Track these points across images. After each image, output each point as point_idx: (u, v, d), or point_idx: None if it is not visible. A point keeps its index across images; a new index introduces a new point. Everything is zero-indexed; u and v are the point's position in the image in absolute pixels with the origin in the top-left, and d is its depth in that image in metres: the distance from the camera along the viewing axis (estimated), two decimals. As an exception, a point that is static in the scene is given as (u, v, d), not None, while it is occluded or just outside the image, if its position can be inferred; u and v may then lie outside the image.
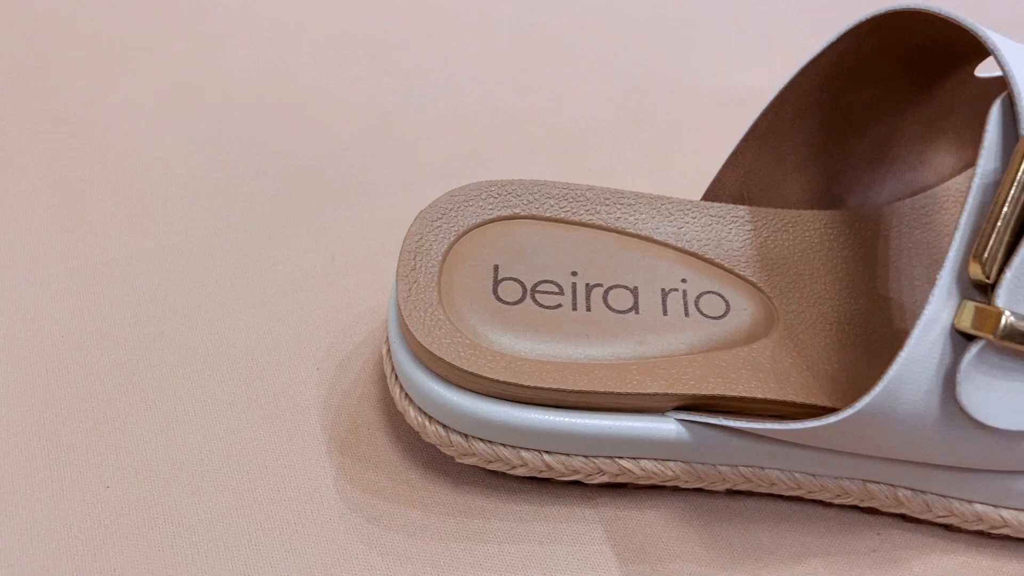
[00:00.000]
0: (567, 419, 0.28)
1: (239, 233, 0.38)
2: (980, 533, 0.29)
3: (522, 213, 0.31)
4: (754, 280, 0.30)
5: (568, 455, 0.28)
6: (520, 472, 0.29)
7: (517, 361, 0.27)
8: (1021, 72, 0.23)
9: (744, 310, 0.29)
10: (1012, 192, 0.22)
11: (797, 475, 0.28)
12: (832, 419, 0.24)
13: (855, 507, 0.30)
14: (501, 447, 0.28)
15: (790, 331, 0.29)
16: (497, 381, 0.27)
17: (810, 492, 0.29)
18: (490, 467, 0.29)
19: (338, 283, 0.37)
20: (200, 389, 0.33)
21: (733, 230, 0.31)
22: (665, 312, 0.29)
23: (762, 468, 0.28)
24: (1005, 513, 0.28)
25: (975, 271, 0.22)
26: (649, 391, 0.27)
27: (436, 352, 0.27)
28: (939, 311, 0.23)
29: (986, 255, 0.22)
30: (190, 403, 0.33)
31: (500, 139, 0.42)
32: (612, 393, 0.27)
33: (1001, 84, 0.29)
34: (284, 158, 0.41)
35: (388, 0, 0.49)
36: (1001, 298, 0.22)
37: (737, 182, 0.31)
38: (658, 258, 0.30)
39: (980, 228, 0.22)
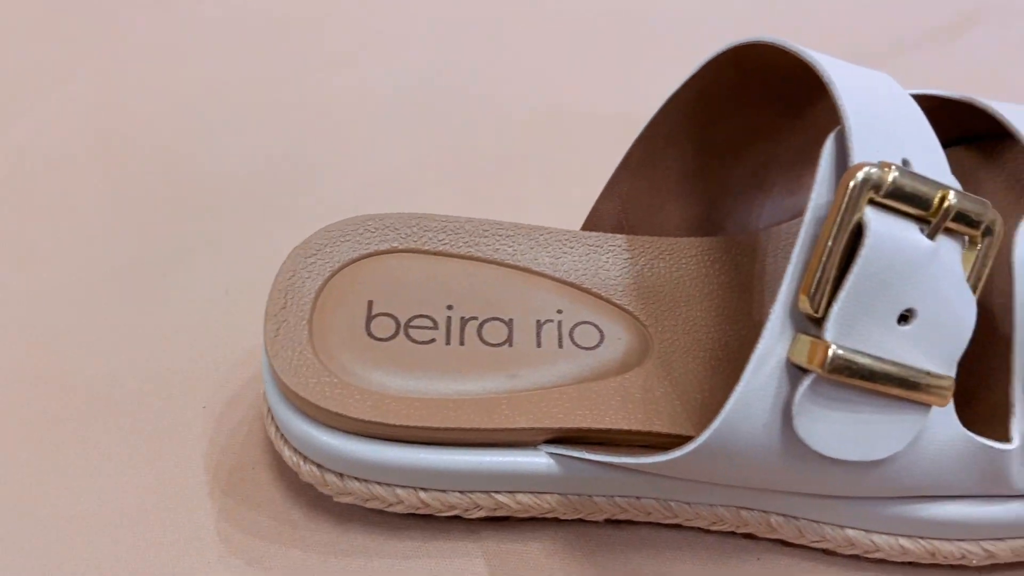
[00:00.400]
0: (439, 456, 0.27)
1: (132, 265, 0.38)
2: (857, 557, 0.29)
3: (400, 247, 0.30)
4: (630, 309, 0.30)
5: (444, 491, 0.28)
6: (398, 509, 0.29)
7: (385, 399, 0.27)
8: (853, 105, 0.23)
9: (619, 339, 0.30)
10: (835, 227, 0.22)
11: (672, 504, 0.28)
12: (675, 454, 0.24)
13: (736, 533, 0.30)
14: (376, 485, 0.28)
15: (663, 359, 0.29)
16: (363, 421, 0.27)
17: (687, 520, 0.29)
18: (368, 505, 0.29)
19: (231, 317, 0.36)
20: (84, 429, 0.32)
21: (610, 259, 0.31)
22: (539, 344, 0.29)
23: (638, 498, 0.28)
24: (876, 538, 0.28)
25: (804, 305, 0.23)
26: (516, 426, 0.27)
27: (301, 393, 0.27)
28: (773, 345, 0.23)
29: (813, 289, 0.22)
30: (73, 444, 0.32)
31: (404, 169, 0.42)
32: (479, 429, 0.27)
33: None
34: (180, 188, 0.41)
35: (292, 29, 0.49)
36: (829, 332, 0.23)
37: (615, 211, 0.32)
38: (535, 289, 0.30)
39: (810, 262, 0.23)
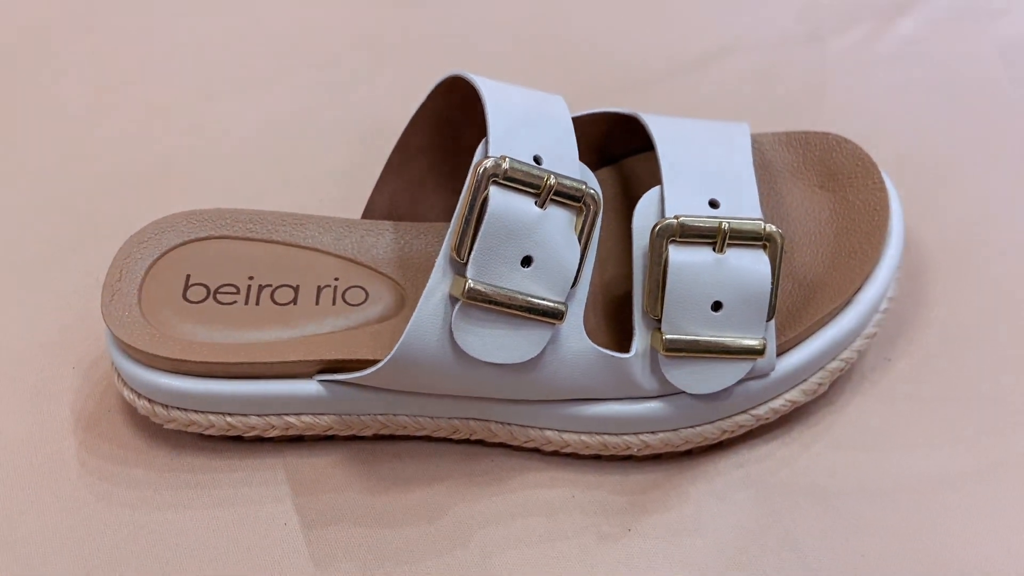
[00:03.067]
0: (238, 387, 0.37)
1: (26, 261, 0.46)
2: (557, 453, 0.39)
3: (215, 235, 0.40)
4: (393, 276, 0.40)
5: (245, 415, 0.37)
6: (212, 432, 0.38)
7: (193, 345, 0.36)
8: (497, 116, 0.33)
9: (380, 299, 0.39)
10: (468, 200, 0.32)
11: (420, 419, 0.38)
12: (375, 368, 0.34)
13: (476, 441, 0.39)
14: (192, 413, 0.37)
15: (412, 312, 0.39)
16: (174, 359, 0.36)
17: (434, 431, 0.38)
18: (189, 430, 0.38)
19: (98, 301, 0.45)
20: (-25, 388, 0.41)
21: (380, 240, 0.41)
22: (317, 303, 0.39)
23: (395, 415, 0.38)
24: (566, 436, 0.38)
25: (453, 255, 0.33)
26: (289, 359, 0.36)
27: (127, 340, 0.36)
28: (438, 284, 0.33)
29: (458, 244, 0.33)
30: (-35, 400, 0.41)
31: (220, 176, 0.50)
32: (263, 363, 0.36)
33: None
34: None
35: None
36: (470, 272, 0.33)
37: (385, 204, 0.41)
38: (319, 263, 0.40)
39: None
